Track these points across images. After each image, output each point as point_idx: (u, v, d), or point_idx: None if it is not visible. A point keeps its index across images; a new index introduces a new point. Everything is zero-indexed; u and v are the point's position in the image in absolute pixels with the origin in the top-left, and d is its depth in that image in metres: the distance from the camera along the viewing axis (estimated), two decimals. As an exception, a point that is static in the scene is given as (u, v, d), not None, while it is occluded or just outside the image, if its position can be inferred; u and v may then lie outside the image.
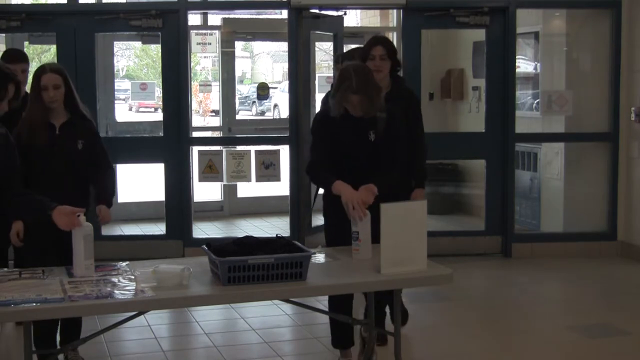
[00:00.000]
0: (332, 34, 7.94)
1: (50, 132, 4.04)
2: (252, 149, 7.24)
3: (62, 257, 3.62)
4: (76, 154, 4.08)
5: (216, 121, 10.82)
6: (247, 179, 7.17)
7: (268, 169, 7.09)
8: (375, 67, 4.46)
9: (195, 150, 7.23)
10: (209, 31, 8.72)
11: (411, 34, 7.17)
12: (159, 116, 8.92)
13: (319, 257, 3.63)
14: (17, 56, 5.04)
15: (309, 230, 7.14)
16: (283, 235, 3.65)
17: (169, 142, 7.17)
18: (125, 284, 3.18)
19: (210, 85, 10.87)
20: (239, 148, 7.38)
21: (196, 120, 11.79)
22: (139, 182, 10.21)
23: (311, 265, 3.28)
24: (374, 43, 4.59)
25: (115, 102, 9.92)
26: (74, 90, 4.12)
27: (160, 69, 7.44)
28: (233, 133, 8.99)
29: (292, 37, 7.14)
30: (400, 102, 4.45)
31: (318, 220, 6.42)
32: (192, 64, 7.97)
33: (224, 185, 9.12)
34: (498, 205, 7.28)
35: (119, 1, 7.92)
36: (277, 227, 8.56)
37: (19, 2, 9.62)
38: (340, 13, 7.96)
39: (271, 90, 12.58)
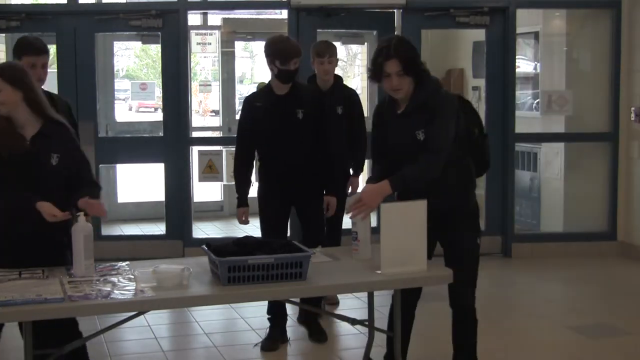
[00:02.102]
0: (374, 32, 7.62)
1: (20, 144, 3.26)
2: (252, 149, 7.22)
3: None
4: (49, 172, 3.32)
5: (216, 121, 10.81)
6: (247, 179, 7.16)
7: (268, 169, 7.07)
8: (393, 88, 3.47)
9: (195, 150, 7.23)
10: (209, 31, 8.72)
11: (411, 34, 7.14)
12: (159, 116, 8.92)
13: (319, 257, 3.62)
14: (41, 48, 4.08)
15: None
16: (283, 235, 3.64)
17: (169, 142, 7.18)
18: (125, 284, 3.18)
19: (210, 85, 10.85)
20: (239, 148, 7.36)
21: (196, 120, 11.76)
22: (139, 182, 10.21)
23: (311, 265, 3.28)
24: (386, 56, 3.41)
25: (115, 102, 9.92)
26: (34, 89, 3.30)
27: (160, 69, 7.44)
28: (233, 133, 8.96)
29: (291, 37, 7.11)
30: (423, 115, 3.55)
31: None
32: (192, 64, 7.97)
33: (224, 185, 9.11)
34: (498, 205, 7.28)
35: (119, 1, 7.92)
36: (277, 227, 8.54)
37: (19, 2, 9.61)
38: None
39: (271, 91, 12.52)
